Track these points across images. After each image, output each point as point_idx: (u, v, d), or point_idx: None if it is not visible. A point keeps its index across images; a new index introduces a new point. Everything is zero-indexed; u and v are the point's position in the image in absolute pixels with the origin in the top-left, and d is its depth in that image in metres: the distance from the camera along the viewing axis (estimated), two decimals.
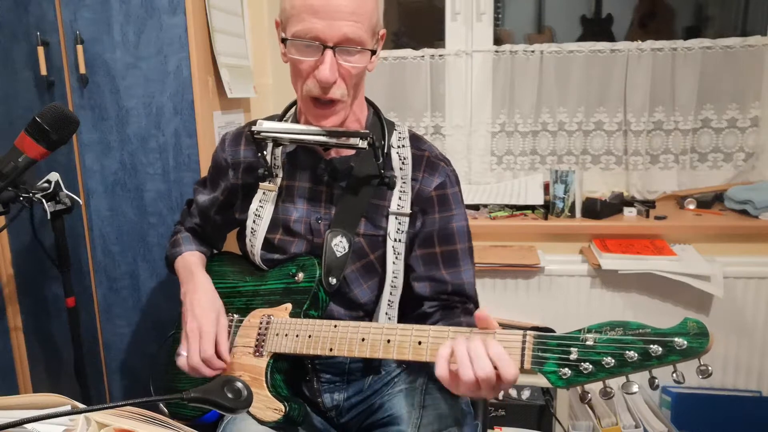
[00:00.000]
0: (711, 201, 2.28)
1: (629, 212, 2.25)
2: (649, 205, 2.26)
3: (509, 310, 2.19)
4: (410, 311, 1.28)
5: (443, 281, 1.24)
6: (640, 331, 0.82)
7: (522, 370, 0.90)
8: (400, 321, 1.29)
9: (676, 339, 0.79)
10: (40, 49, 1.66)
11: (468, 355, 0.91)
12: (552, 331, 2.04)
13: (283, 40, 1.13)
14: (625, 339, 0.82)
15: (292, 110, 1.32)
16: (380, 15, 1.18)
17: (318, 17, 1.07)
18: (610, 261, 2.07)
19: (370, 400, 1.28)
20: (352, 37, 1.09)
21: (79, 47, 1.64)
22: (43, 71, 1.67)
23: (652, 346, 0.80)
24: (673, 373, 0.81)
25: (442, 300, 1.25)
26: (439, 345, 0.97)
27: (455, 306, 1.24)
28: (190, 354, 1.18)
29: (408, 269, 1.27)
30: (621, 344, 0.82)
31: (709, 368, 0.77)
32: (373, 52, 1.15)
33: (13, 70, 1.71)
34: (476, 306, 1.27)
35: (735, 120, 2.29)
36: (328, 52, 1.09)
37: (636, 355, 0.81)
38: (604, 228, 2.21)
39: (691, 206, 2.26)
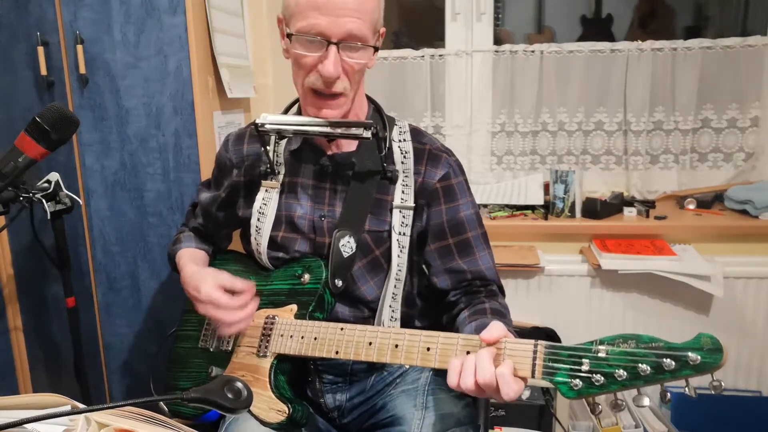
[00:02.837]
0: (711, 201, 2.28)
1: (629, 212, 2.25)
2: (649, 205, 2.26)
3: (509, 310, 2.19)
4: (436, 304, 1.29)
5: (461, 271, 1.25)
6: (653, 344, 0.81)
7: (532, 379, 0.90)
8: (426, 316, 1.32)
9: (689, 354, 0.79)
10: (40, 49, 1.65)
11: (474, 364, 0.92)
12: (553, 331, 2.06)
13: (288, 36, 1.14)
14: (638, 352, 0.82)
15: (295, 107, 1.34)
16: (381, 13, 1.20)
17: (322, 13, 1.09)
18: (610, 261, 2.07)
19: (372, 400, 1.28)
20: (356, 34, 1.11)
21: (79, 47, 1.63)
22: (43, 71, 1.66)
23: (665, 359, 0.80)
24: (684, 387, 0.80)
25: (464, 287, 1.25)
26: (448, 351, 0.98)
27: (478, 290, 1.24)
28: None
29: (426, 265, 1.28)
30: (633, 357, 0.82)
31: (722, 383, 0.77)
32: (376, 49, 1.17)
33: (13, 70, 1.69)
34: (499, 288, 1.28)
35: (735, 120, 2.29)
36: (332, 48, 1.11)
37: (649, 368, 0.80)
38: (604, 228, 2.21)
39: (691, 206, 2.26)
